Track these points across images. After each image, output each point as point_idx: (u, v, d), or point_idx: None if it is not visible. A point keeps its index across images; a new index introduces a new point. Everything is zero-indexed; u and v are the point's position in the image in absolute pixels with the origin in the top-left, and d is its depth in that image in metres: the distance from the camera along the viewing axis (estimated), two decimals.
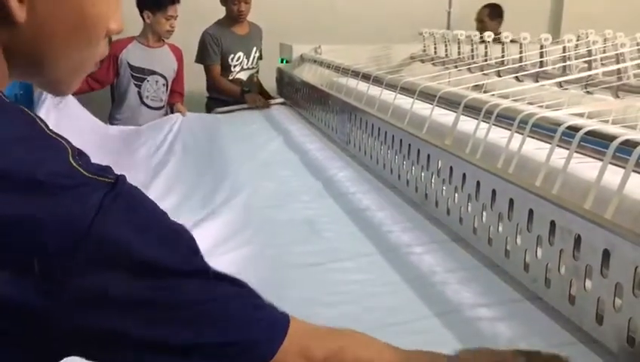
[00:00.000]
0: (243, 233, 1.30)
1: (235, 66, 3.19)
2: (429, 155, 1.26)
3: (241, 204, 1.48)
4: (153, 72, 2.95)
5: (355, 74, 2.09)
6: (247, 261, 1.16)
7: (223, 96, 3.12)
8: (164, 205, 0.53)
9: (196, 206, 1.55)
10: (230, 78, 3.17)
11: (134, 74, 2.93)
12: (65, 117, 2.31)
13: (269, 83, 3.26)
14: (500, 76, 2.08)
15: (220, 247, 1.20)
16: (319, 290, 1.02)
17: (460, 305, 0.94)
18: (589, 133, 0.95)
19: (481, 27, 3.48)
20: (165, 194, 1.69)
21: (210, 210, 1.45)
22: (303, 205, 1.48)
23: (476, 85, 2.11)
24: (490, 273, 1.02)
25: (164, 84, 2.97)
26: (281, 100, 2.98)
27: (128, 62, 2.92)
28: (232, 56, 3.16)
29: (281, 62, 3.22)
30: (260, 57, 3.26)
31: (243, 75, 3.21)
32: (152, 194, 1.53)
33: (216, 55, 3.13)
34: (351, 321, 0.90)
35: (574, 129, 0.98)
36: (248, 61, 3.21)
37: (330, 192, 1.57)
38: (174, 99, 2.97)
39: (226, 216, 1.39)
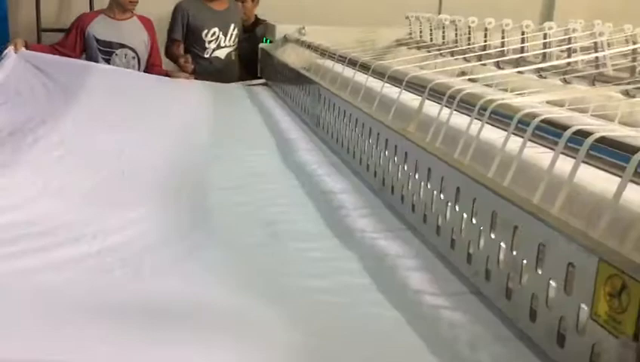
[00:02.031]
0: (195, 215, 1.25)
1: (209, 42, 3.10)
2: (387, 140, 1.22)
3: (198, 181, 1.44)
4: (122, 45, 2.88)
5: (332, 56, 2.04)
6: (197, 244, 1.11)
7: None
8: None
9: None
10: (206, 55, 3.10)
11: (101, 48, 2.87)
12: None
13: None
14: (482, 63, 2.04)
15: (173, 234, 1.16)
16: (268, 268, 0.99)
17: (405, 290, 0.91)
18: (544, 121, 0.91)
19: None
20: None
21: (168, 185, 1.41)
22: (264, 185, 1.44)
23: (462, 72, 2.07)
24: (439, 263, 0.98)
25: (133, 57, 2.90)
26: (261, 81, 2.92)
27: (95, 36, 2.85)
28: (205, 31, 3.08)
29: (265, 41, 3.16)
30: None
31: (220, 54, 3.14)
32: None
33: (181, 31, 3.05)
34: (299, 295, 0.88)
35: (531, 117, 0.94)
36: (226, 38, 3.14)
37: (294, 173, 1.53)
38: (154, 72, 2.91)
39: (180, 197, 1.35)
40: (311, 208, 1.29)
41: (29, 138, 1.66)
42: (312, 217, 1.23)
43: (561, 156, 0.83)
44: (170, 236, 1.12)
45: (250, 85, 2.90)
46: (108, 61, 2.83)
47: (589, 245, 0.62)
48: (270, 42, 3.10)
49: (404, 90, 1.38)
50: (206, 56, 3.09)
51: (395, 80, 1.47)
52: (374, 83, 1.60)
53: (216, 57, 3.12)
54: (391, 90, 1.48)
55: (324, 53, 2.17)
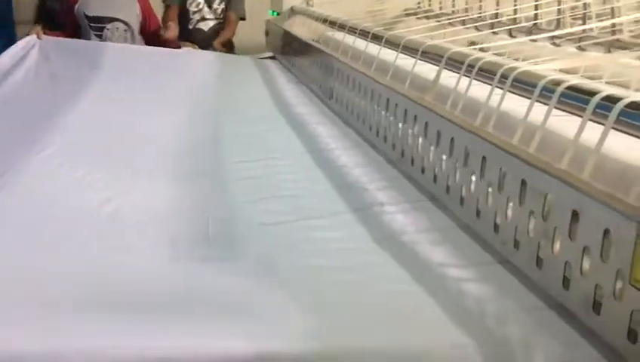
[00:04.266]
0: (208, 189, 1.24)
1: (193, 13, 3.08)
2: (406, 110, 1.21)
3: (209, 156, 1.43)
4: (112, 19, 2.84)
5: (343, 27, 2.01)
6: (212, 219, 1.10)
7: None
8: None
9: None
10: (190, 26, 3.07)
11: (92, 24, 2.84)
12: None
13: (259, 36, 3.17)
14: (494, 32, 2.01)
15: (187, 208, 1.15)
16: (281, 247, 0.98)
17: (429, 264, 0.90)
18: (570, 88, 0.90)
19: None
20: None
21: (177, 157, 1.41)
22: (276, 161, 1.43)
23: (472, 42, 2.04)
24: (463, 234, 0.98)
25: (125, 30, 2.87)
26: (270, 54, 2.89)
27: (84, 13, 2.82)
28: (190, 0, 3.06)
29: (272, 14, 3.13)
30: (243, 18, 3.13)
31: (204, 26, 3.10)
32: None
33: None
34: (313, 274, 0.87)
35: (556, 83, 0.93)
36: (210, 10, 3.10)
37: (308, 148, 1.52)
38: (161, 41, 2.87)
39: (189, 168, 1.35)
40: (326, 183, 1.28)
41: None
42: (329, 192, 1.22)
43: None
44: (184, 211, 1.12)
45: (259, 58, 2.87)
46: (100, 37, 2.80)
47: (626, 210, 0.61)
48: (277, 14, 3.07)
49: (416, 61, 1.36)
50: (190, 27, 3.07)
51: (410, 50, 1.45)
52: (387, 54, 1.58)
53: (200, 29, 3.08)
54: (404, 62, 1.46)
55: (333, 24, 2.14)
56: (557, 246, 0.73)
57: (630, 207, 0.62)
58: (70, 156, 1.40)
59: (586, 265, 0.67)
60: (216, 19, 3.07)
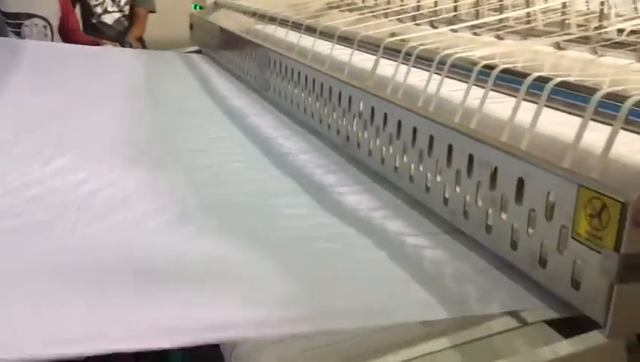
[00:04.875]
0: (164, 176, 1.27)
1: (95, 7, 3.06)
2: (350, 97, 1.27)
3: (159, 146, 1.45)
4: (31, 15, 2.76)
5: (273, 19, 2.05)
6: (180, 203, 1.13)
7: None
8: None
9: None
10: (94, 20, 3.04)
11: (9, 21, 2.75)
12: None
13: (183, 30, 3.15)
14: (417, 23, 2.11)
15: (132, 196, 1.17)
16: (257, 220, 1.04)
17: (387, 234, 0.97)
18: (504, 71, 0.99)
19: None
20: None
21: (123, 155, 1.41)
22: (224, 150, 1.46)
23: (392, 33, 2.14)
24: (414, 209, 1.05)
25: (45, 26, 2.80)
26: (195, 48, 2.89)
27: (1, 10, 2.73)
28: None
29: (195, 8, 3.12)
30: (152, 10, 3.11)
31: (108, 19, 3.08)
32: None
33: None
34: (293, 244, 0.94)
35: (489, 68, 1.02)
36: (114, 3, 3.08)
37: (251, 138, 1.56)
38: (77, 38, 2.81)
39: (146, 157, 1.36)
40: (277, 169, 1.33)
41: None
42: (282, 177, 1.27)
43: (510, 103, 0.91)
44: (157, 192, 1.15)
45: (184, 52, 2.86)
46: (18, 34, 2.71)
47: (568, 174, 0.70)
48: (201, 8, 3.06)
49: (353, 51, 1.43)
50: (94, 20, 3.03)
51: (346, 40, 1.52)
52: (321, 45, 1.64)
53: (104, 22, 3.05)
54: (338, 52, 1.53)
55: (263, 17, 2.18)
56: (505, 212, 0.81)
57: (570, 172, 0.71)
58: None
59: (532, 226, 0.76)
60: (120, 11, 3.04)
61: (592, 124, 0.79)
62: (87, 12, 2.95)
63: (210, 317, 0.72)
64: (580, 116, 0.81)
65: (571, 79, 0.90)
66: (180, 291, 0.78)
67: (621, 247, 0.62)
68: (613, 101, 0.79)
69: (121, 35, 2.98)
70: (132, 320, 0.71)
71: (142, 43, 3.09)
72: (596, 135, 0.77)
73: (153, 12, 3.16)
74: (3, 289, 0.76)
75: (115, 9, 2.98)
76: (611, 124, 0.75)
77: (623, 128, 0.77)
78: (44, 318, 0.69)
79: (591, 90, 0.82)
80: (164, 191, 1.16)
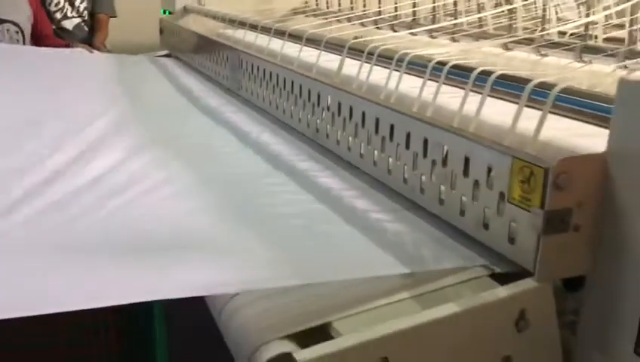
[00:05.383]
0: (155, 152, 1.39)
1: (54, 12, 3.12)
2: (319, 93, 1.40)
3: (149, 133, 1.57)
4: (3, 21, 2.82)
5: (243, 24, 2.17)
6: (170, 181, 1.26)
7: None
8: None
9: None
10: (54, 26, 3.11)
11: None
12: None
13: (154, 35, 3.24)
14: (378, 27, 2.26)
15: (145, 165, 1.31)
16: (249, 196, 1.18)
17: (355, 211, 1.11)
18: (454, 66, 1.14)
19: None
20: None
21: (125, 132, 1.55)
22: (205, 140, 1.59)
23: (355, 36, 2.28)
24: (378, 190, 1.19)
25: (17, 32, 2.85)
26: (165, 52, 2.98)
27: None
28: (49, 0, 3.10)
29: (164, 13, 3.21)
30: (113, 15, 3.18)
31: (68, 24, 3.15)
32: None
33: None
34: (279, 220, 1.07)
35: (442, 64, 1.17)
36: (72, 9, 3.15)
37: (229, 132, 1.68)
38: (49, 44, 2.87)
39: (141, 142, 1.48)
40: (257, 157, 1.46)
41: None
42: (263, 163, 1.41)
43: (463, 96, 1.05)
44: (159, 170, 1.28)
45: (155, 56, 2.95)
46: None
47: (505, 149, 0.84)
48: (170, 13, 3.15)
49: (320, 52, 1.57)
50: (54, 27, 3.09)
51: (313, 42, 1.65)
52: (289, 47, 1.77)
53: (64, 28, 3.12)
54: (306, 54, 1.66)
55: (233, 21, 2.30)
56: (454, 185, 0.95)
57: (507, 147, 0.85)
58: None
59: (477, 195, 0.90)
60: (79, 16, 3.09)
61: (532, 113, 0.93)
62: (48, 18, 3.00)
63: (205, 275, 0.83)
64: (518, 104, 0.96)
65: (510, 72, 1.05)
66: (176, 256, 0.90)
67: (545, 205, 0.76)
68: (546, 89, 0.94)
69: (83, 42, 3.04)
70: (132, 278, 0.83)
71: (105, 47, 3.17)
72: (533, 123, 0.92)
73: (114, 17, 3.23)
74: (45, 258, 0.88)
75: (74, 14, 3.02)
76: (541, 109, 0.90)
77: (551, 112, 0.92)
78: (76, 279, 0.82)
79: (526, 81, 0.96)
80: (164, 170, 1.30)
